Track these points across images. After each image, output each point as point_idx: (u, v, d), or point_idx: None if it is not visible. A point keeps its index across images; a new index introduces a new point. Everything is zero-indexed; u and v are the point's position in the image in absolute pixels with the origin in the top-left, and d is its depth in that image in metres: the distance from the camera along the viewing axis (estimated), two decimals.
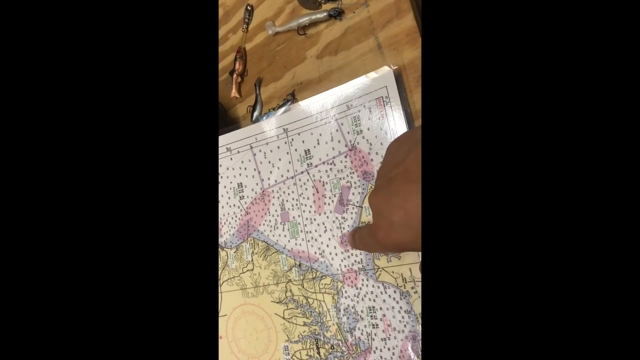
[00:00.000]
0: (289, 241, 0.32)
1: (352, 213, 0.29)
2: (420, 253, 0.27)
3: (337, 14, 0.33)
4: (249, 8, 0.39)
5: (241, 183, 0.34)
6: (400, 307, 0.27)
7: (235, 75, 0.39)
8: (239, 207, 0.34)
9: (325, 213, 0.30)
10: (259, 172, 0.33)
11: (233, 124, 0.40)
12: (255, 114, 0.39)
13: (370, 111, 0.29)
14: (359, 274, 0.29)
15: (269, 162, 0.33)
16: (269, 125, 0.33)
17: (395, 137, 0.28)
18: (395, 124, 0.28)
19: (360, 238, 0.25)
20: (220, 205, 0.35)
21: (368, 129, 0.29)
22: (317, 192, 0.31)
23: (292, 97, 0.36)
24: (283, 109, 0.36)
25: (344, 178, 0.30)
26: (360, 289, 0.29)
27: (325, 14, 0.33)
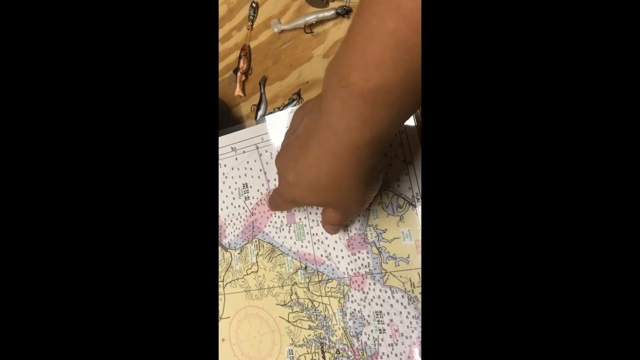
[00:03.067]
0: (294, 243, 0.31)
1: (359, 215, 0.29)
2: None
3: (345, 12, 0.32)
4: (254, 5, 0.39)
5: (246, 183, 0.33)
6: (408, 313, 0.27)
7: (239, 74, 0.39)
8: (243, 207, 0.34)
9: None
10: (265, 173, 0.32)
11: (237, 123, 0.40)
12: (260, 113, 0.38)
13: None
14: (366, 277, 0.28)
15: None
16: (275, 125, 0.32)
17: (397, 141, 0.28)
18: (405, 125, 0.27)
19: (271, 198, 0.29)
20: (224, 205, 0.34)
21: None
22: None
23: (298, 97, 0.35)
24: (289, 108, 0.35)
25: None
26: (367, 293, 0.28)
27: (332, 12, 0.33)
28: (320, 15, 0.33)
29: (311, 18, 0.34)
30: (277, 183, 0.32)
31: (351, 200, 0.23)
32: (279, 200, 0.28)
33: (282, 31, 0.37)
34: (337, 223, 0.26)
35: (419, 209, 0.27)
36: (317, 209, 0.30)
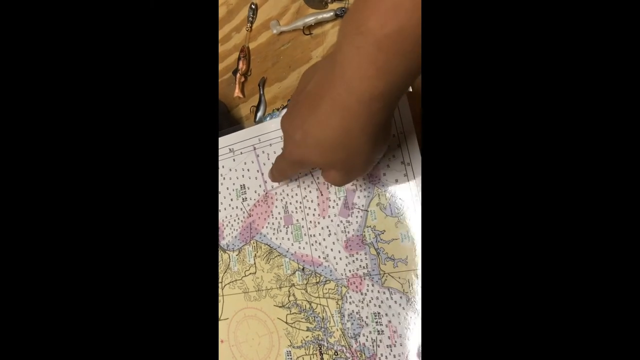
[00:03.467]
0: (292, 244, 0.31)
1: (357, 217, 0.29)
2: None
3: (343, 14, 0.32)
4: (253, 6, 0.39)
5: (244, 185, 0.33)
6: (407, 314, 0.27)
7: (238, 75, 0.39)
8: (241, 209, 0.33)
9: (329, 216, 0.30)
10: (263, 174, 0.32)
11: (236, 124, 0.40)
12: (259, 114, 0.38)
13: None
14: (364, 279, 0.28)
15: (273, 164, 0.32)
16: (273, 126, 0.32)
17: (398, 139, 0.28)
18: (403, 125, 0.27)
19: (275, 165, 0.29)
20: (222, 207, 0.34)
21: None
22: (322, 194, 0.30)
23: None
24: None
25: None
26: (365, 294, 0.28)
27: (331, 13, 0.33)
28: (319, 17, 0.33)
29: (310, 20, 0.34)
30: (274, 184, 0.32)
31: (357, 159, 0.22)
32: (284, 165, 0.28)
33: (281, 33, 0.37)
34: (338, 183, 0.26)
35: (417, 210, 0.27)
36: (315, 209, 0.30)
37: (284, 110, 0.36)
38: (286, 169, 0.28)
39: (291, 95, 0.25)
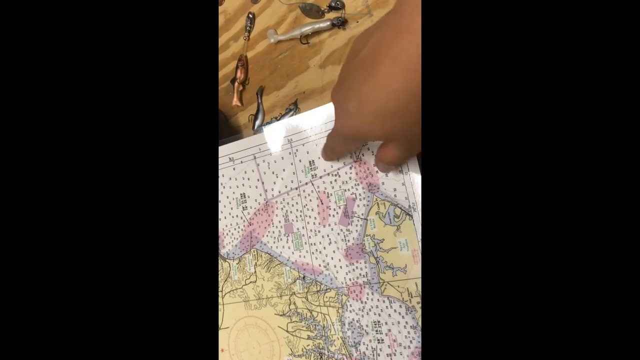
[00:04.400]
0: (292, 253, 0.31)
1: (357, 225, 0.29)
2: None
3: (340, 23, 0.33)
4: (251, 16, 0.39)
5: (244, 194, 0.33)
6: (406, 323, 0.27)
7: (236, 84, 0.39)
8: (241, 217, 0.34)
9: (329, 225, 0.30)
10: (263, 183, 0.33)
11: (234, 133, 0.40)
12: (257, 122, 0.38)
13: None
14: (364, 287, 0.29)
15: (273, 173, 0.32)
16: (273, 135, 0.32)
17: None
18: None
19: (327, 144, 0.27)
20: (222, 215, 0.35)
21: (374, 140, 0.29)
22: (322, 203, 0.30)
23: (294, 107, 0.36)
24: (286, 118, 0.36)
25: (348, 190, 0.29)
26: (365, 302, 0.28)
27: (328, 23, 0.33)
28: (316, 26, 0.34)
29: (307, 29, 0.34)
30: (274, 192, 0.32)
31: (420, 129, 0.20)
32: (336, 141, 0.25)
33: (279, 42, 0.37)
34: (396, 161, 0.23)
35: (415, 218, 0.27)
36: (315, 218, 0.30)
37: (283, 119, 0.36)
38: (339, 146, 0.26)
39: (344, 61, 0.23)
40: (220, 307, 0.35)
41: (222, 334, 0.34)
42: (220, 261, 0.35)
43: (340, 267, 0.29)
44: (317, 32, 0.34)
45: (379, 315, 0.28)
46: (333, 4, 0.33)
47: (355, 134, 0.22)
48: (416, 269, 0.27)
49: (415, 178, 0.27)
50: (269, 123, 0.37)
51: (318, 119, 0.31)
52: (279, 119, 0.37)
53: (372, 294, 0.28)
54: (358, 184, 0.29)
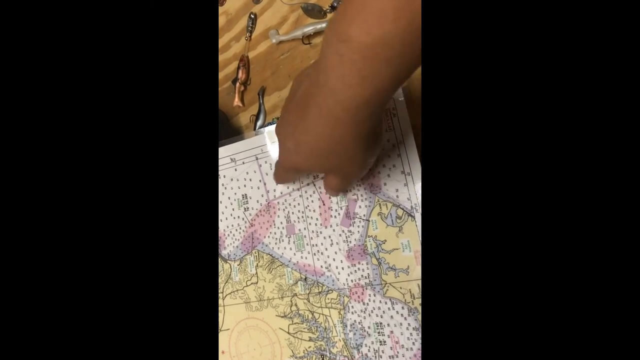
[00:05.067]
0: (294, 254, 0.31)
1: (359, 226, 0.29)
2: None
3: None
4: (252, 16, 0.39)
5: (246, 194, 0.33)
6: (409, 324, 0.27)
7: (238, 84, 0.39)
8: (243, 218, 0.33)
9: (331, 226, 0.30)
10: (265, 184, 0.32)
11: (236, 133, 0.40)
12: (259, 123, 0.38)
13: None
14: (366, 289, 0.28)
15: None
16: (275, 136, 0.32)
17: (396, 149, 0.28)
18: (403, 136, 0.28)
19: (274, 170, 0.30)
20: (224, 216, 0.34)
21: None
22: (324, 204, 0.30)
23: None
24: None
25: (350, 190, 0.29)
26: (367, 304, 0.28)
27: None
28: (318, 26, 0.33)
29: (309, 29, 0.34)
30: (276, 194, 0.32)
31: (351, 165, 0.22)
32: (281, 171, 0.28)
33: (281, 42, 0.37)
34: (338, 188, 0.26)
35: (417, 219, 0.27)
36: (317, 219, 0.30)
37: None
38: (284, 175, 0.29)
39: (284, 101, 0.25)
40: (221, 308, 0.34)
41: (222, 336, 0.34)
42: (221, 262, 0.35)
43: (342, 268, 0.29)
44: (319, 33, 0.34)
45: (381, 316, 0.28)
46: (335, 4, 0.33)
47: (296, 168, 0.25)
48: (419, 270, 0.27)
49: (417, 179, 0.27)
50: (270, 123, 0.37)
51: None
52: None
53: (374, 295, 0.28)
54: (360, 185, 0.29)
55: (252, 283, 0.33)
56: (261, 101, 0.38)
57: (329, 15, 0.34)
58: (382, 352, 0.27)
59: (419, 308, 0.26)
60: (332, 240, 0.30)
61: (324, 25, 0.33)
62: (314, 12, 0.35)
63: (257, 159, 0.33)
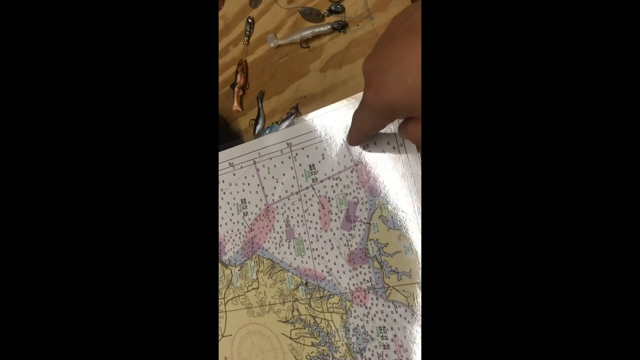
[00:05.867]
0: (294, 259, 0.31)
1: (359, 230, 0.29)
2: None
3: (340, 27, 0.32)
4: (250, 20, 0.39)
5: (244, 199, 0.33)
6: (412, 327, 0.26)
7: (236, 88, 0.39)
8: (242, 223, 0.33)
9: (331, 230, 0.30)
10: (263, 188, 0.32)
11: (235, 138, 0.40)
12: (258, 127, 0.38)
13: None
14: (368, 292, 0.28)
15: (273, 178, 0.32)
16: (273, 139, 0.32)
17: (398, 145, 0.28)
18: (403, 138, 0.27)
19: (352, 123, 0.24)
20: (223, 222, 0.34)
21: (375, 143, 0.28)
22: (323, 208, 0.30)
23: (295, 111, 0.36)
24: (287, 122, 0.35)
25: (350, 194, 0.29)
26: (370, 308, 0.28)
27: (328, 26, 0.33)
28: (317, 30, 0.33)
29: (307, 33, 0.34)
30: (275, 197, 0.32)
31: None
32: (364, 117, 0.22)
33: (279, 46, 0.37)
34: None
35: (420, 222, 0.27)
36: (317, 223, 0.30)
37: (284, 123, 0.36)
38: (367, 122, 0.23)
39: (384, 33, 0.21)
40: (222, 314, 0.34)
41: (225, 342, 0.34)
42: (221, 268, 0.34)
43: (344, 272, 0.29)
44: (317, 36, 0.34)
45: (384, 320, 0.27)
46: (333, 8, 0.33)
47: (390, 105, 0.19)
48: (421, 273, 0.26)
49: (417, 181, 0.27)
50: (270, 128, 0.37)
51: (318, 123, 0.31)
52: (279, 124, 0.36)
53: (377, 299, 0.28)
54: (360, 188, 0.29)
55: (253, 288, 0.33)
56: (260, 105, 0.38)
57: (327, 19, 0.34)
58: (386, 356, 0.27)
59: None
60: (332, 244, 0.29)
61: (322, 29, 0.33)
62: (311, 15, 0.35)
63: (254, 163, 0.33)
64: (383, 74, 0.19)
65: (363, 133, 0.25)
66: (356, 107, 0.29)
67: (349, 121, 0.29)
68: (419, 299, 0.26)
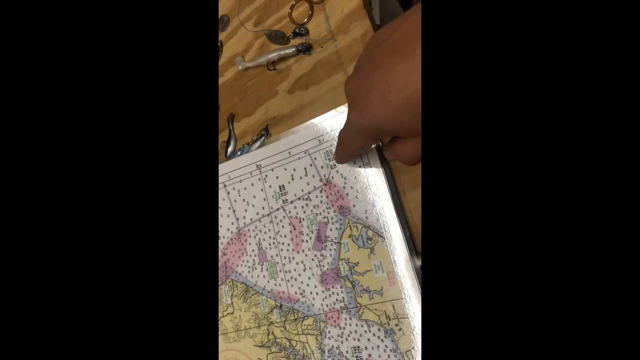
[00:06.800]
0: (268, 282, 0.31)
1: (330, 250, 0.29)
2: (402, 291, 0.26)
3: (305, 49, 0.33)
4: (219, 44, 0.39)
5: None
6: (386, 346, 0.26)
7: None
8: None
9: (303, 251, 0.29)
10: (234, 211, 0.32)
11: None
12: (229, 149, 0.38)
13: None
14: (342, 312, 0.28)
15: (244, 200, 0.32)
16: (242, 162, 0.32)
17: (369, 167, 0.28)
18: (369, 157, 0.28)
19: (338, 143, 0.24)
20: None
21: None
22: (295, 229, 0.30)
23: (266, 132, 0.36)
24: (257, 143, 0.36)
25: (320, 213, 0.29)
26: (344, 328, 0.28)
27: (293, 49, 0.33)
28: (282, 52, 0.34)
29: (273, 55, 0.34)
30: (246, 220, 0.32)
31: None
32: (350, 137, 0.22)
33: (247, 68, 0.37)
34: (415, 160, 0.20)
35: (388, 240, 0.27)
36: (289, 244, 0.30)
37: (255, 144, 0.36)
38: (353, 143, 0.23)
39: (358, 58, 0.20)
40: None
41: None
42: None
43: (317, 293, 0.29)
44: (283, 58, 0.35)
45: (358, 340, 0.27)
46: (297, 31, 0.34)
47: (376, 125, 0.19)
48: (392, 291, 0.26)
49: (384, 199, 0.27)
50: (241, 149, 0.37)
51: (286, 144, 0.31)
52: (250, 145, 0.36)
53: (350, 318, 0.28)
54: (329, 207, 0.29)
55: (228, 313, 0.32)
56: (231, 127, 0.38)
57: (292, 42, 0.35)
58: None
59: (395, 329, 0.26)
60: (305, 266, 0.29)
61: (287, 51, 0.34)
62: (277, 38, 0.35)
63: (225, 186, 0.32)
64: (366, 96, 0.19)
65: (349, 153, 0.25)
66: (322, 125, 0.29)
67: (315, 141, 0.30)
68: (391, 317, 0.26)
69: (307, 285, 0.29)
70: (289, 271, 0.30)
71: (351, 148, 0.24)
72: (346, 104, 0.29)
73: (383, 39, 0.19)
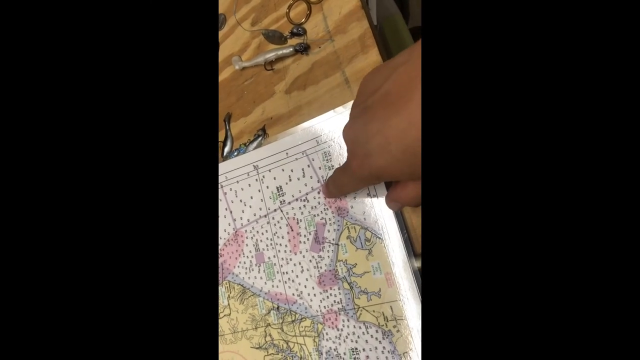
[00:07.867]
0: (265, 283, 0.30)
1: (328, 251, 0.29)
2: (399, 292, 0.26)
3: (303, 49, 0.33)
4: None
5: None
6: (384, 348, 0.26)
7: None
8: None
9: (301, 252, 0.29)
10: (231, 212, 0.32)
11: None
12: (226, 149, 0.38)
13: (340, 146, 0.28)
14: (339, 314, 0.28)
15: (241, 201, 0.32)
16: (239, 162, 0.32)
17: None
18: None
19: (333, 181, 0.25)
20: None
21: (339, 164, 0.28)
22: (292, 230, 0.30)
23: (263, 132, 0.35)
24: (254, 144, 0.35)
25: (318, 215, 0.29)
26: (342, 330, 0.28)
27: (291, 49, 0.33)
28: (280, 52, 0.34)
29: (270, 55, 0.34)
30: (243, 221, 0.31)
31: None
32: (348, 180, 0.23)
33: (244, 68, 0.37)
34: (416, 202, 0.21)
35: (386, 241, 0.27)
36: (286, 246, 0.30)
37: (252, 145, 0.36)
38: (350, 186, 0.24)
39: (353, 102, 0.21)
40: None
41: None
42: None
43: (314, 294, 0.29)
44: (280, 58, 0.34)
45: (356, 342, 0.27)
46: (295, 31, 0.34)
47: (376, 174, 0.20)
48: (390, 292, 0.26)
49: (383, 200, 0.27)
50: (238, 149, 0.37)
51: (283, 145, 0.31)
52: (247, 145, 0.36)
53: (348, 320, 0.28)
54: (327, 209, 0.29)
55: (225, 315, 0.32)
56: (228, 127, 0.38)
57: (290, 42, 0.34)
58: None
59: (393, 331, 0.26)
60: (302, 267, 0.29)
61: (284, 51, 0.33)
62: (274, 38, 0.35)
63: (221, 187, 0.32)
64: (366, 146, 0.19)
65: (344, 193, 0.26)
66: (320, 125, 0.29)
67: (313, 142, 0.29)
68: (389, 318, 0.26)
69: (305, 286, 0.29)
70: (287, 272, 0.30)
71: (347, 189, 0.25)
72: (344, 105, 0.29)
73: (375, 88, 0.20)
